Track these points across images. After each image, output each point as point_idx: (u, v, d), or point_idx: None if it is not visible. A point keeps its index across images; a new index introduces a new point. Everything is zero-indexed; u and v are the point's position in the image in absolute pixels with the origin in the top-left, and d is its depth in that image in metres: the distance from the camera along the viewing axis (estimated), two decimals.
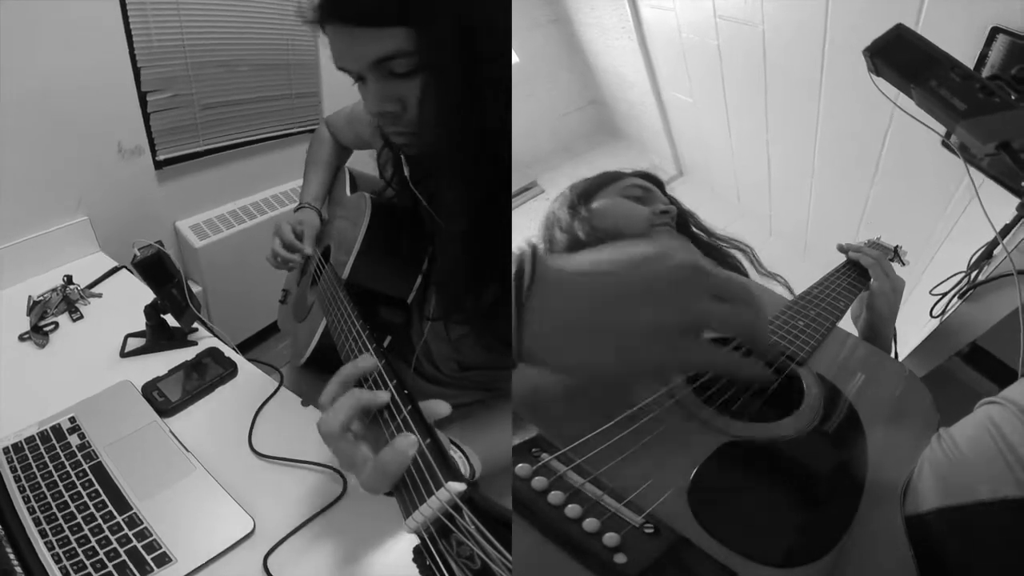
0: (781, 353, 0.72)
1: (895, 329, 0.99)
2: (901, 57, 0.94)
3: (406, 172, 0.88)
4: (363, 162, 1.20)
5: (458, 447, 0.75)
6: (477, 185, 0.72)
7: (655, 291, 0.51)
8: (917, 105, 0.93)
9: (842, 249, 1.07)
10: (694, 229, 1.18)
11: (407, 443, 0.54)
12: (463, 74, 0.65)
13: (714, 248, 1.18)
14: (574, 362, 0.52)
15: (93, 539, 0.78)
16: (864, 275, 1.01)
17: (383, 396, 0.60)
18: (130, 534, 0.80)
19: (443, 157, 0.72)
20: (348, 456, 0.59)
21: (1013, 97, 0.86)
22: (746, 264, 1.18)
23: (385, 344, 0.86)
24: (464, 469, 0.75)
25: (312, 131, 1.92)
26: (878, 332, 0.97)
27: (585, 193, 1.13)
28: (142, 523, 0.81)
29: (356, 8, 0.65)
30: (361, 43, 0.66)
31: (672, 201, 1.17)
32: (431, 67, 0.66)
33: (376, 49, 0.66)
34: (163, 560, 0.77)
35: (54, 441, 0.93)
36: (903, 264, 1.13)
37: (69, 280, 1.35)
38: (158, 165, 1.82)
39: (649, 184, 1.16)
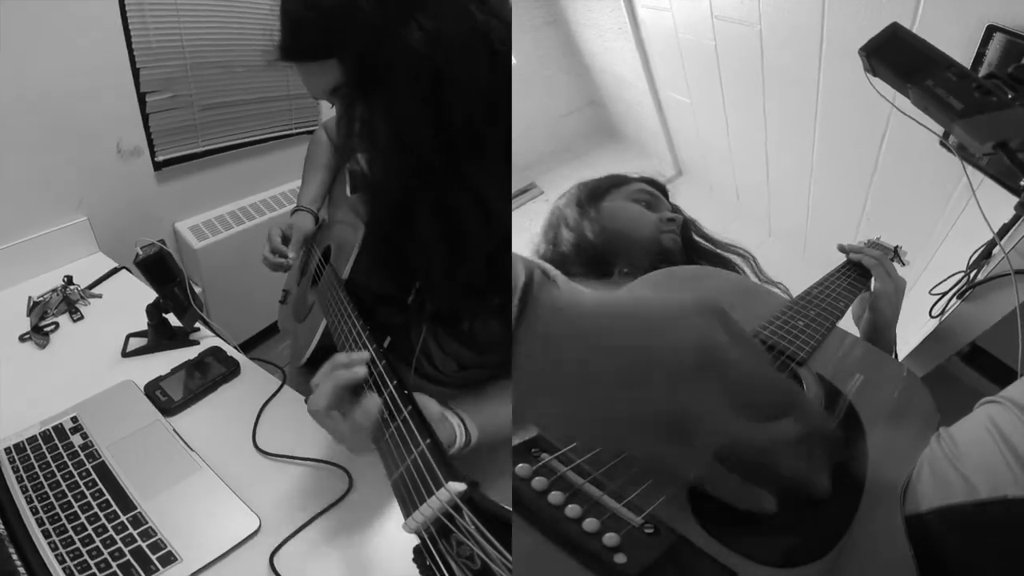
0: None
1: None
2: (897, 56, 0.94)
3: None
4: None
5: (455, 413, 0.78)
6: (418, 202, 0.74)
7: (649, 370, 0.42)
8: (914, 104, 0.93)
9: (843, 250, 1.08)
10: (695, 236, 1.19)
11: (373, 403, 0.63)
12: (376, 97, 0.69)
13: (716, 256, 1.18)
14: (536, 416, 0.48)
15: (97, 539, 0.78)
16: (865, 275, 1.01)
17: (359, 371, 0.67)
18: (135, 533, 0.79)
19: (382, 172, 0.77)
20: (335, 431, 0.67)
21: (1010, 96, 0.86)
22: (747, 271, 1.19)
23: (385, 344, 0.86)
24: (459, 433, 0.77)
25: (310, 132, 1.91)
26: (881, 333, 0.98)
27: (593, 193, 1.14)
28: (147, 522, 0.81)
29: (296, 47, 0.72)
30: (314, 76, 0.72)
31: (675, 209, 1.18)
32: (352, 92, 0.71)
33: (326, 80, 0.71)
34: (168, 559, 0.77)
35: (56, 441, 0.93)
36: (903, 264, 1.14)
37: (69, 280, 1.35)
38: (157, 166, 1.81)
39: (655, 191, 1.16)
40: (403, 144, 0.70)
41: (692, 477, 0.47)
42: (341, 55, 0.68)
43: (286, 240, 1.12)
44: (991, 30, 1.07)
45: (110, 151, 1.67)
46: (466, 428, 0.79)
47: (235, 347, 1.21)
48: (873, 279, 1.01)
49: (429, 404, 0.75)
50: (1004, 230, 1.04)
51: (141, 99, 1.70)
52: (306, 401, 1.04)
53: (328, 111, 1.27)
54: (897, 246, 1.14)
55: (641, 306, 0.46)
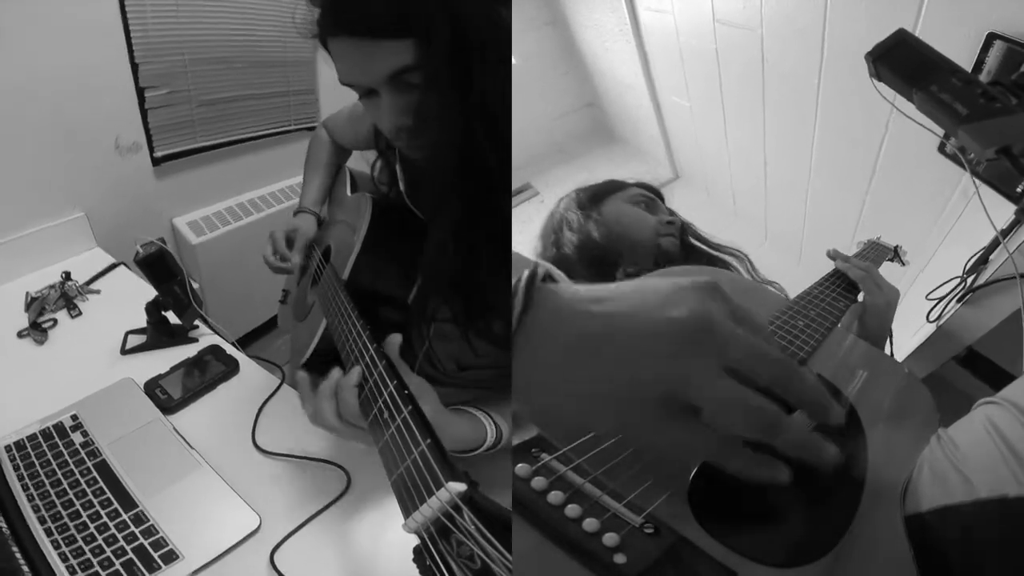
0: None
1: (891, 331, 0.99)
2: (904, 62, 0.95)
3: (401, 185, 0.88)
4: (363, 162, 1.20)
5: (483, 411, 0.79)
6: (476, 199, 0.70)
7: (646, 342, 0.42)
8: (918, 109, 0.93)
9: (832, 256, 1.04)
10: (691, 239, 1.19)
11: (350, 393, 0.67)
12: (460, 85, 0.63)
13: (711, 257, 1.19)
14: (538, 404, 0.47)
15: (99, 537, 0.78)
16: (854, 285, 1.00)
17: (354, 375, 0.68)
18: (136, 531, 0.80)
19: (447, 171, 0.69)
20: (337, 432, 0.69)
21: (1014, 102, 0.87)
22: (741, 271, 1.19)
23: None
24: (491, 431, 0.79)
25: (309, 128, 1.90)
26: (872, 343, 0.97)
27: (594, 197, 1.15)
28: (148, 520, 0.82)
29: (368, 20, 0.62)
30: (375, 56, 0.64)
31: (671, 213, 1.19)
32: (432, 79, 0.63)
33: (392, 62, 0.63)
34: (170, 557, 0.77)
35: (56, 439, 0.93)
36: (903, 264, 1.14)
37: (67, 276, 1.35)
38: (155, 161, 1.81)
39: (652, 195, 1.17)
40: (478, 136, 0.64)
41: (702, 455, 0.45)
42: (425, 34, 0.61)
43: (290, 243, 1.11)
44: (991, 38, 1.07)
45: (108, 147, 1.67)
46: (496, 424, 0.79)
47: (234, 345, 1.21)
48: (862, 292, 0.98)
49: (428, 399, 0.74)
50: (1003, 235, 1.04)
51: (140, 94, 1.70)
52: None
53: (328, 108, 1.27)
54: (897, 246, 1.15)
55: (638, 286, 0.46)
